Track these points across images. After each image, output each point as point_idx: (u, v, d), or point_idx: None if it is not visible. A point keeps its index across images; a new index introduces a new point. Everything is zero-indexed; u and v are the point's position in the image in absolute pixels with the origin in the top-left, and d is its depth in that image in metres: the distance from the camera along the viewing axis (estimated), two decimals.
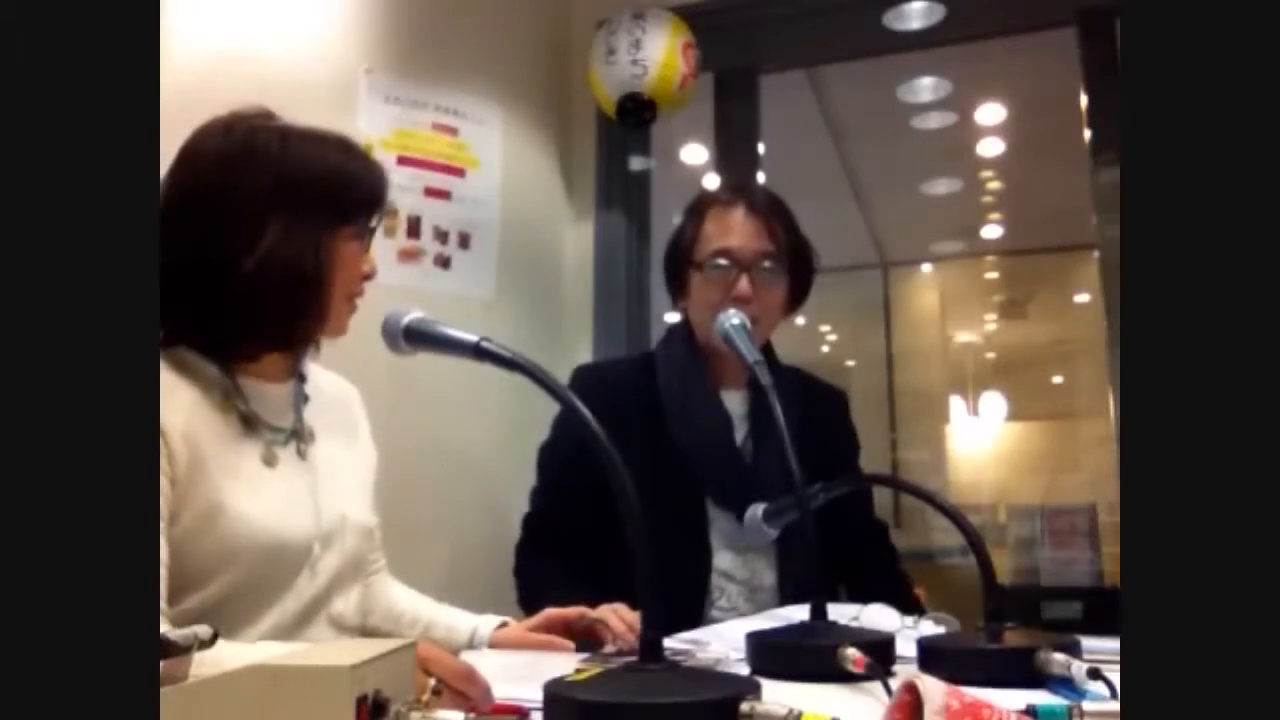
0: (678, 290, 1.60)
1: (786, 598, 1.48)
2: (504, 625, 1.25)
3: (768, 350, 1.61)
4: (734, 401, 1.57)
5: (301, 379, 1.16)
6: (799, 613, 1.11)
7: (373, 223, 1.11)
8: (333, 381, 1.26)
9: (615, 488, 0.76)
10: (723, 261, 1.50)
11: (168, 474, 0.96)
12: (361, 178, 1.10)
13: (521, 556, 1.57)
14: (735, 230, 1.52)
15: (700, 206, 1.58)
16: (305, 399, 1.15)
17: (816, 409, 1.60)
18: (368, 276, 1.12)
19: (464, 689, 0.76)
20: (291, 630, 1.04)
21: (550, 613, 1.24)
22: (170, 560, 0.95)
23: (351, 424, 1.24)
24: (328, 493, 1.11)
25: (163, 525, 0.95)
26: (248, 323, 1.05)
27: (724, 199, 1.57)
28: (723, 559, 1.49)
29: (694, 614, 1.43)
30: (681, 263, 1.57)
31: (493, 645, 1.22)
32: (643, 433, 1.36)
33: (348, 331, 1.14)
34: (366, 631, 1.22)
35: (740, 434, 1.55)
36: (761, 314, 1.49)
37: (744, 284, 1.49)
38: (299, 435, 1.12)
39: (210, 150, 1.06)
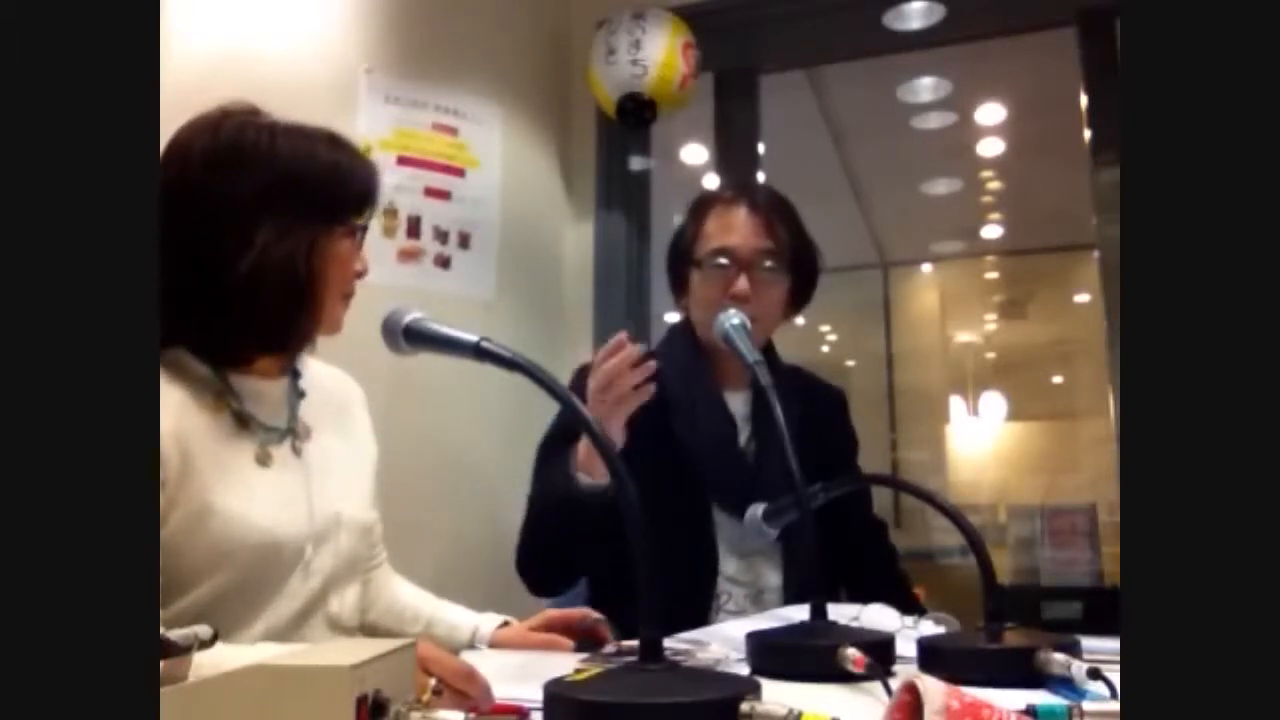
0: (679, 289, 1.60)
1: (791, 600, 1.48)
2: (505, 624, 1.25)
3: (769, 350, 1.60)
4: (737, 402, 1.56)
5: (296, 375, 1.16)
6: (799, 613, 1.11)
7: (364, 219, 1.10)
8: (332, 375, 1.24)
9: (614, 487, 0.76)
10: (722, 260, 1.50)
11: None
12: (354, 174, 1.09)
13: (525, 552, 1.52)
14: (736, 229, 1.51)
15: (702, 205, 1.58)
16: (301, 394, 1.15)
17: (816, 408, 1.60)
18: (360, 274, 1.11)
19: (464, 689, 0.76)
20: (287, 632, 1.03)
21: (551, 613, 1.24)
22: (160, 562, 0.94)
23: (350, 418, 1.23)
24: (322, 491, 1.10)
25: None
26: (243, 324, 1.04)
27: (726, 198, 1.56)
28: (728, 564, 1.48)
29: (699, 618, 1.43)
30: (682, 261, 1.56)
31: (494, 644, 1.22)
32: (646, 432, 1.35)
33: (342, 329, 1.13)
34: (367, 627, 1.22)
35: (744, 435, 1.54)
36: (760, 313, 1.48)
37: (743, 282, 1.48)
38: (293, 432, 1.11)
39: (199, 149, 1.04)
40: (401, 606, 1.27)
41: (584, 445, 1.32)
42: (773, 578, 1.51)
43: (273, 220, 1.02)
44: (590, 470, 1.31)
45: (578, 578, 1.51)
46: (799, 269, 1.55)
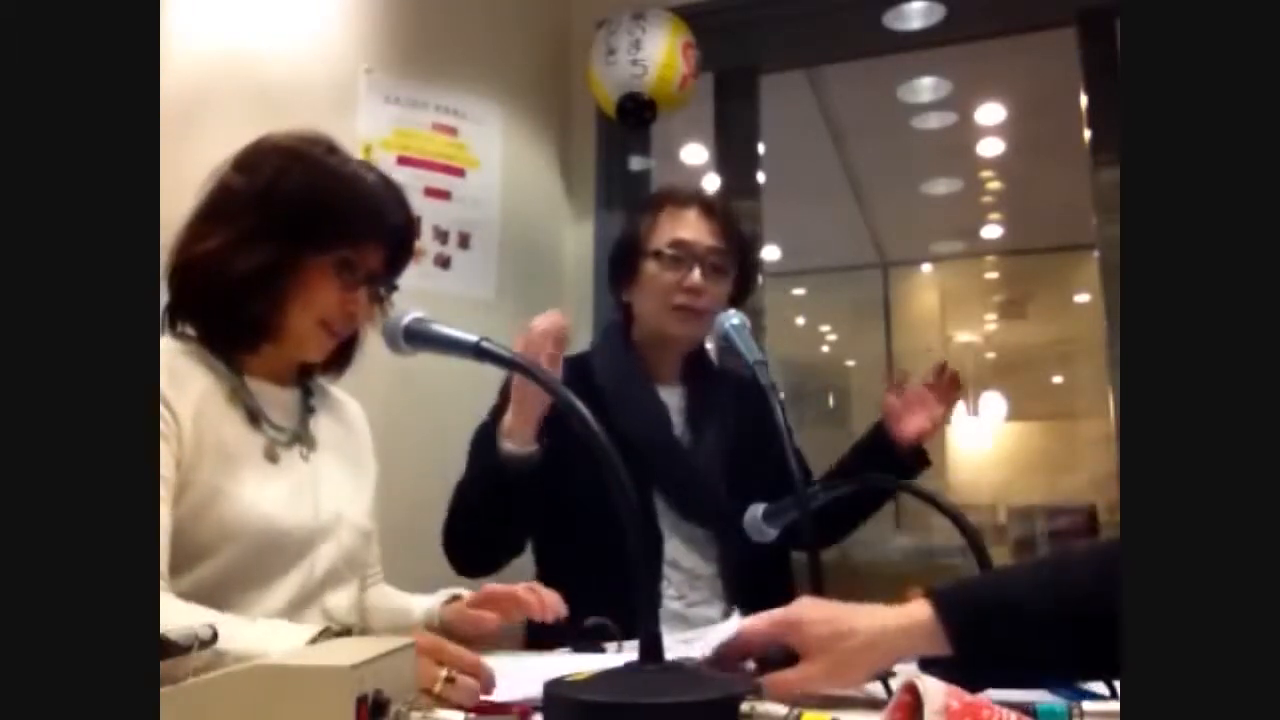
0: (625, 281, 1.64)
1: (725, 585, 1.52)
2: (455, 599, 1.23)
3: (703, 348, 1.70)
4: (671, 396, 1.61)
5: (309, 393, 1.20)
6: None
7: (348, 254, 1.10)
8: (343, 399, 1.29)
9: (613, 487, 0.77)
10: (678, 253, 1.57)
11: (175, 454, 0.99)
12: (345, 211, 1.10)
13: (449, 528, 1.49)
14: (689, 225, 1.59)
15: (654, 204, 1.65)
16: (310, 410, 1.18)
17: (749, 406, 1.62)
18: (351, 316, 1.13)
19: (475, 675, 0.79)
20: (284, 619, 1.05)
21: (490, 587, 1.20)
22: (170, 538, 0.97)
23: (356, 443, 1.27)
24: (328, 490, 1.14)
25: (167, 504, 0.97)
26: (208, 313, 1.09)
27: (679, 198, 1.63)
28: (669, 547, 1.51)
29: (649, 602, 1.44)
30: (632, 253, 1.62)
31: (445, 622, 1.20)
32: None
33: (322, 358, 1.16)
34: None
35: (679, 427, 1.59)
36: (708, 307, 1.56)
37: (696, 275, 1.55)
38: (301, 439, 1.14)
39: (245, 150, 1.13)
40: (368, 605, 1.27)
41: (509, 414, 1.34)
42: (708, 564, 1.54)
43: (248, 224, 1.07)
44: (514, 437, 1.33)
45: (502, 557, 1.50)
46: (741, 268, 1.64)
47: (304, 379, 1.20)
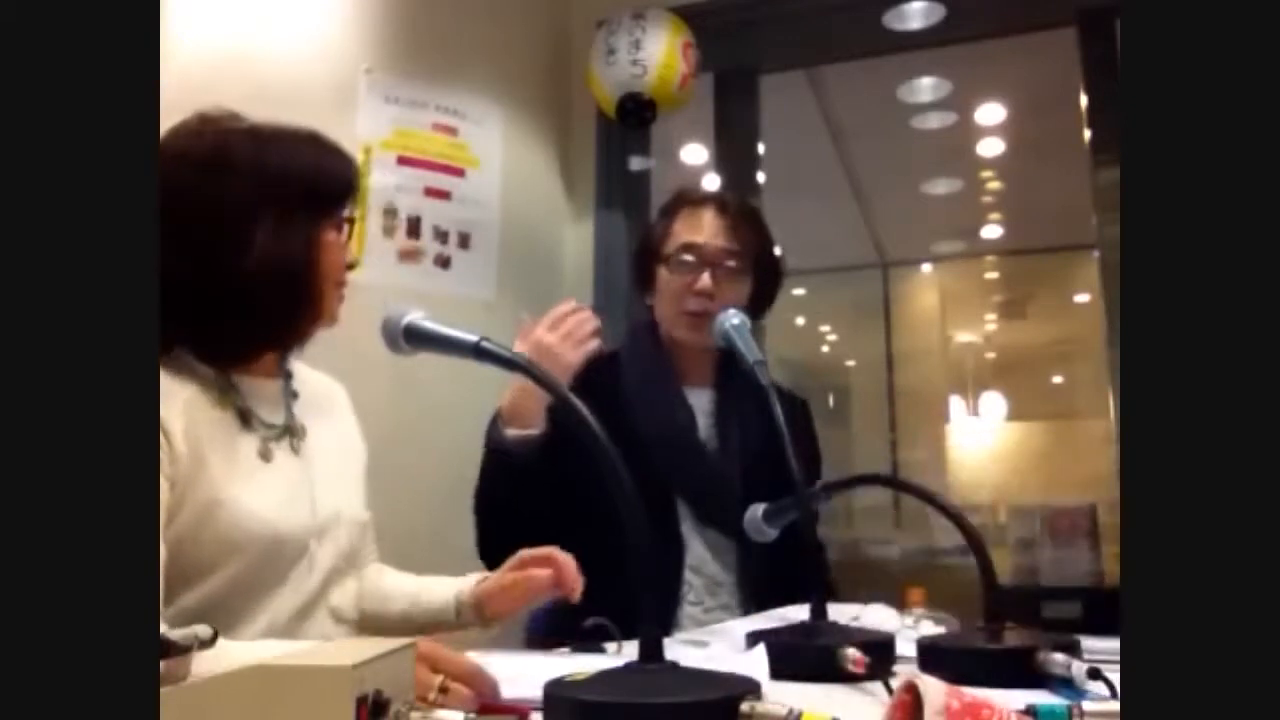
0: (645, 286, 1.63)
1: (744, 593, 1.50)
2: (485, 580, 1.20)
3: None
4: (700, 399, 1.59)
5: (289, 376, 1.18)
6: (799, 613, 1.11)
7: (347, 211, 1.13)
8: (318, 378, 1.27)
9: (611, 486, 0.77)
10: (688, 256, 1.54)
11: (168, 475, 0.97)
12: (335, 171, 1.12)
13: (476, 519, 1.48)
14: (702, 228, 1.56)
15: (672, 207, 1.63)
16: (294, 395, 1.17)
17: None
18: (350, 266, 1.14)
19: (471, 685, 0.77)
20: (292, 624, 1.05)
21: (523, 553, 1.17)
22: (166, 559, 0.95)
23: (338, 418, 1.26)
24: (323, 487, 1.13)
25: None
26: (247, 322, 1.06)
27: (695, 199, 1.61)
28: (691, 553, 1.50)
29: (668, 607, 1.44)
30: (649, 258, 1.60)
31: (479, 602, 1.18)
32: (605, 426, 1.35)
33: (339, 320, 1.15)
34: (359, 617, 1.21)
35: (704, 429, 1.56)
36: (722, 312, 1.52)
37: (706, 278, 1.52)
38: (291, 431, 1.13)
39: (186, 154, 1.04)
40: (386, 590, 1.24)
41: (508, 397, 1.36)
42: (729, 571, 1.52)
43: (269, 221, 1.04)
44: (516, 420, 1.35)
45: (522, 542, 1.50)
46: (761, 273, 1.59)
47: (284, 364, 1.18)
